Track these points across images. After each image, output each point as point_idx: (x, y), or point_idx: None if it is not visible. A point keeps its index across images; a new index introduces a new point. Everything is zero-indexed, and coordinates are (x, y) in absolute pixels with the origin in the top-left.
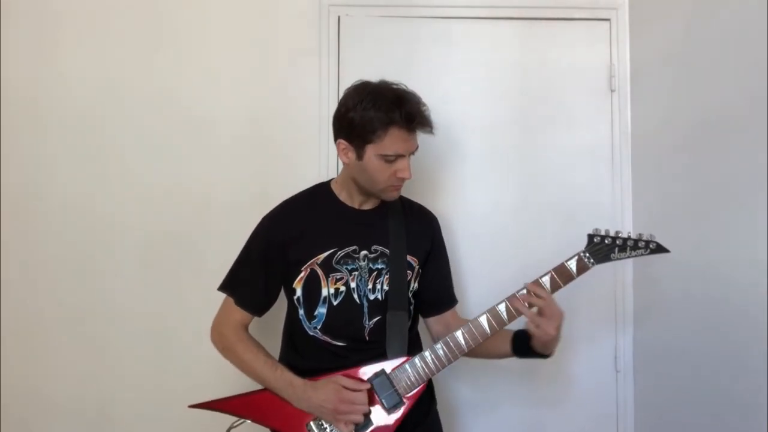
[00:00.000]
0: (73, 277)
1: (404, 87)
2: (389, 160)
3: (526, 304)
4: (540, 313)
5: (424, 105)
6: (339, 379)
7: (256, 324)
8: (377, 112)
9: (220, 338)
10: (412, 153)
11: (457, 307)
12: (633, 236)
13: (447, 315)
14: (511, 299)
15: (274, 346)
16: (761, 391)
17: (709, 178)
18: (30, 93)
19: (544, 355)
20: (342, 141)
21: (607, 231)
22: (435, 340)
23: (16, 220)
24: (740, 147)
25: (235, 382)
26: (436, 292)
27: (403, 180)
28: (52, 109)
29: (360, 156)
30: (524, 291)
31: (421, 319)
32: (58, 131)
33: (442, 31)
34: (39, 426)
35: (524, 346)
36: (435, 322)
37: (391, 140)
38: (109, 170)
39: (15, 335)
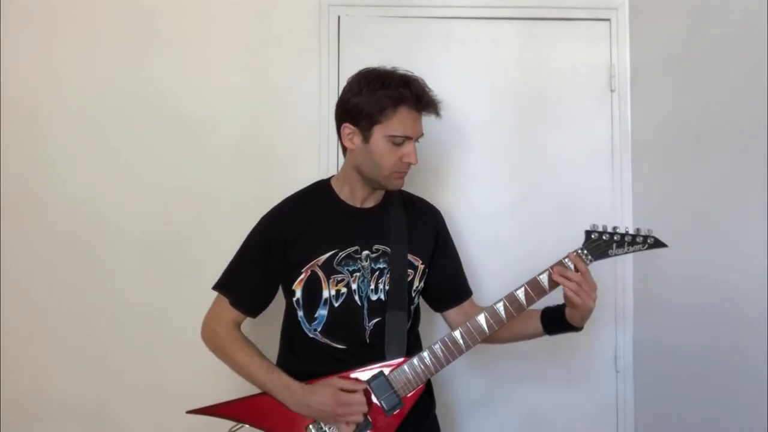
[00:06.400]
0: (72, 278)
1: (409, 72)
2: (397, 142)
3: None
4: (580, 285)
5: (429, 88)
6: (335, 381)
7: (253, 326)
8: (386, 90)
9: (212, 337)
10: (418, 139)
11: None
12: (631, 231)
13: (465, 306)
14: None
15: (272, 349)
16: (761, 391)
17: (709, 178)
18: (30, 94)
19: (577, 329)
20: (347, 125)
21: (604, 227)
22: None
23: (16, 220)
24: (740, 147)
25: (234, 383)
26: (451, 284)
27: (409, 165)
28: (53, 110)
29: (366, 139)
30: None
31: (439, 316)
32: (59, 132)
33: (442, 31)
34: (38, 426)
35: (557, 322)
36: (454, 314)
37: (400, 120)
38: (109, 171)
39: (15, 335)
